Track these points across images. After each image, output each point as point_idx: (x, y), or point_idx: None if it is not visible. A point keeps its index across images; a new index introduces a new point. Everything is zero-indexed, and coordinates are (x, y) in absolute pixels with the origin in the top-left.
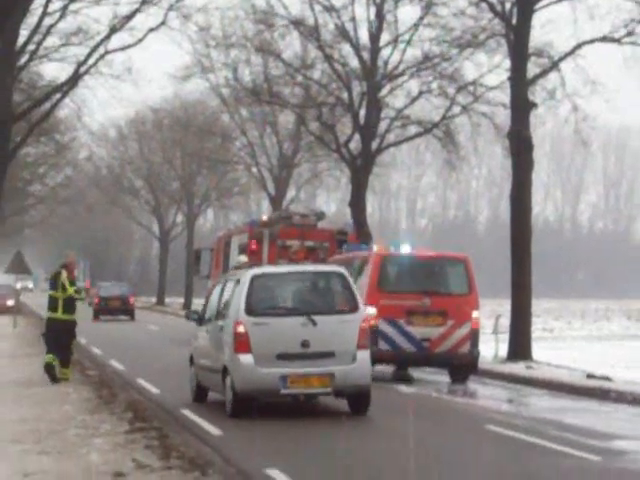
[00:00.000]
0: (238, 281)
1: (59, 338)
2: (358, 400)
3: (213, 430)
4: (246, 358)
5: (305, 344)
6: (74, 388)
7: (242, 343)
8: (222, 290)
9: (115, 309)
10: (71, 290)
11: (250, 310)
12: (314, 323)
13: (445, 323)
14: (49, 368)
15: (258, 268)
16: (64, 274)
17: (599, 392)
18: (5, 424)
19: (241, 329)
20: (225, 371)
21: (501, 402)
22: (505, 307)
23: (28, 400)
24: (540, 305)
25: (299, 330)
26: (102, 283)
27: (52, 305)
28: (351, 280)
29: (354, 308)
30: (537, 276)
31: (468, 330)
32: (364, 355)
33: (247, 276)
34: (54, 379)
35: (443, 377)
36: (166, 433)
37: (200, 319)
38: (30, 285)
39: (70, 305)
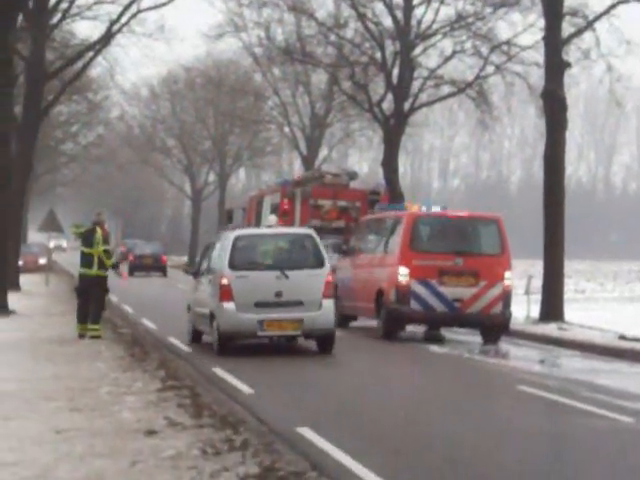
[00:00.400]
0: (225, 241)
1: (91, 293)
2: (324, 341)
3: (244, 388)
4: (229, 305)
5: (278, 294)
6: (106, 346)
7: (225, 293)
8: (213, 248)
9: (148, 266)
10: (101, 248)
11: (233, 265)
12: (286, 277)
13: (477, 284)
14: (81, 337)
15: (240, 230)
16: (99, 231)
17: (631, 353)
18: (38, 381)
19: (225, 281)
20: (212, 316)
21: (533, 363)
22: (537, 268)
23: (61, 358)
24: (572, 266)
25: (273, 282)
26: (136, 241)
27: (86, 261)
28: (319, 240)
29: (320, 264)
30: (569, 237)
31: (500, 291)
32: (329, 304)
33: (231, 237)
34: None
35: (475, 338)
36: (198, 391)
37: (195, 273)
38: (64, 244)
39: (102, 261)
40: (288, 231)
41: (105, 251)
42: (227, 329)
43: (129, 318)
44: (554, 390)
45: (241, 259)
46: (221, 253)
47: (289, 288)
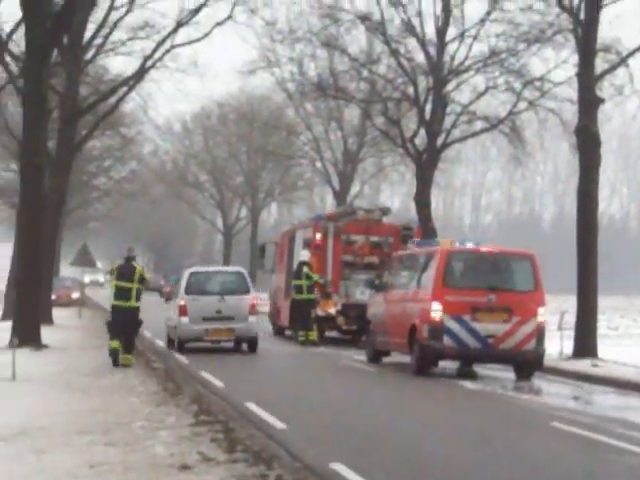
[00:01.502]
0: (184, 275)
1: (125, 325)
2: (250, 343)
3: (278, 424)
4: (184, 319)
5: (218, 311)
6: (140, 380)
7: (182, 310)
8: (179, 281)
9: None
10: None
11: (188, 291)
12: (224, 300)
13: (510, 320)
14: (114, 353)
15: (193, 268)
16: (138, 267)
17: None
18: (72, 415)
19: (182, 303)
20: (175, 327)
21: (566, 399)
22: (570, 303)
23: (95, 391)
24: (605, 302)
25: (215, 303)
26: (172, 276)
27: (122, 294)
28: (247, 275)
29: (247, 291)
30: (602, 273)
31: (533, 327)
32: (253, 318)
33: (187, 273)
34: (115, 363)
35: (508, 374)
36: (231, 426)
37: (168, 298)
38: (101, 279)
39: (139, 294)
40: (225, 269)
41: (144, 281)
42: (183, 335)
43: (162, 352)
44: (588, 427)
45: (193, 287)
46: (181, 283)
47: (225, 307)
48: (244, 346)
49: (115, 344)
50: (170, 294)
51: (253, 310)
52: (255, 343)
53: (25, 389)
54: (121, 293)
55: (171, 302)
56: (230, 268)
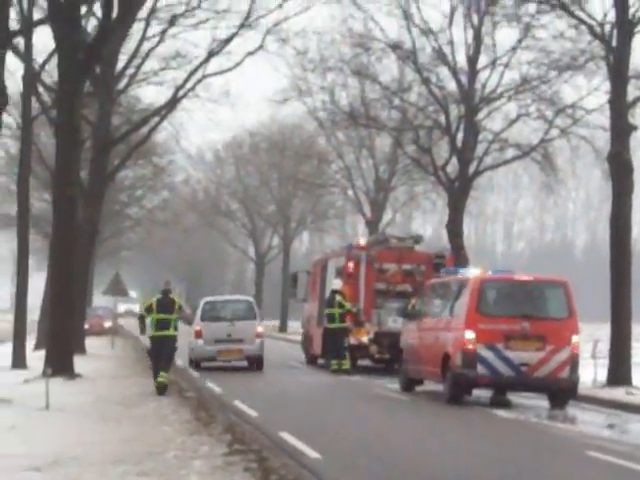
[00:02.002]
0: (199, 304)
1: (162, 351)
2: (257, 362)
3: (312, 453)
4: (200, 341)
5: (229, 335)
6: (172, 409)
7: (198, 334)
8: (197, 308)
9: None
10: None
11: (203, 318)
12: (233, 324)
13: (544, 348)
14: (161, 388)
15: (208, 297)
16: (177, 299)
17: None
18: (105, 445)
19: (198, 328)
20: (192, 348)
21: (601, 428)
22: (603, 331)
23: (128, 420)
24: (639, 330)
25: (226, 328)
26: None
27: (163, 325)
28: (254, 303)
29: (254, 317)
30: (636, 301)
31: (567, 355)
32: (259, 340)
33: (202, 301)
34: (162, 392)
35: (542, 402)
36: (265, 456)
37: (189, 323)
38: (136, 309)
39: (176, 323)
40: (235, 298)
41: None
42: (199, 356)
43: (194, 382)
44: (623, 456)
45: (208, 313)
46: (197, 311)
47: (235, 331)
48: (271, 374)
49: (160, 381)
50: (190, 319)
51: (259, 334)
52: (261, 362)
53: (58, 418)
54: (161, 324)
55: (192, 326)
56: (239, 297)
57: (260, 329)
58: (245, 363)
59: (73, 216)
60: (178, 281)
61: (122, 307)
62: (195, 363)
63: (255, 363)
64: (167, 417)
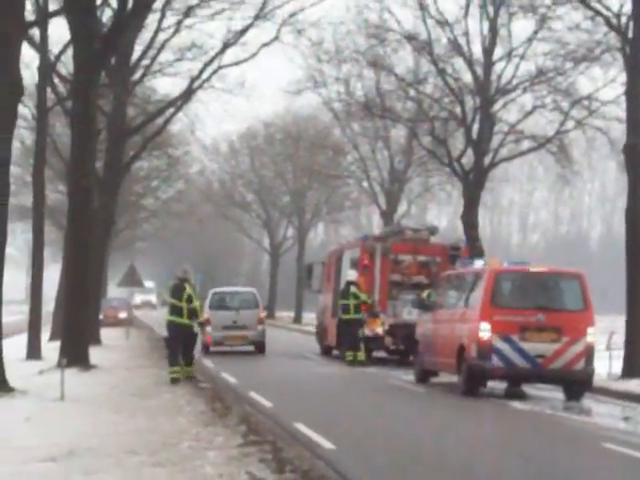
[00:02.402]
0: (209, 294)
1: (181, 341)
2: (260, 346)
3: (326, 444)
4: (209, 328)
5: (235, 322)
6: (187, 400)
7: (207, 321)
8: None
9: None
10: (197, 303)
11: (211, 306)
12: (238, 313)
13: (559, 339)
14: (175, 380)
15: (215, 289)
16: (187, 288)
17: None
18: (120, 435)
19: (207, 315)
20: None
21: (617, 420)
22: (618, 323)
23: (142, 412)
24: None
25: (232, 315)
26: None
27: (176, 312)
28: (257, 294)
29: (257, 306)
30: None
31: (583, 347)
32: (261, 327)
33: (210, 292)
34: (175, 383)
35: (557, 394)
36: (280, 446)
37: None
38: (153, 299)
39: (191, 313)
40: (240, 289)
41: (200, 306)
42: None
43: (209, 372)
44: (639, 447)
45: (215, 303)
46: (206, 301)
47: (240, 318)
48: (286, 365)
49: (176, 372)
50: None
51: (262, 321)
52: (263, 346)
53: (74, 409)
54: (174, 310)
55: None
56: (243, 288)
57: (262, 316)
58: (249, 348)
59: (88, 207)
60: (194, 272)
61: (138, 298)
62: (205, 348)
63: (258, 347)
64: (182, 408)
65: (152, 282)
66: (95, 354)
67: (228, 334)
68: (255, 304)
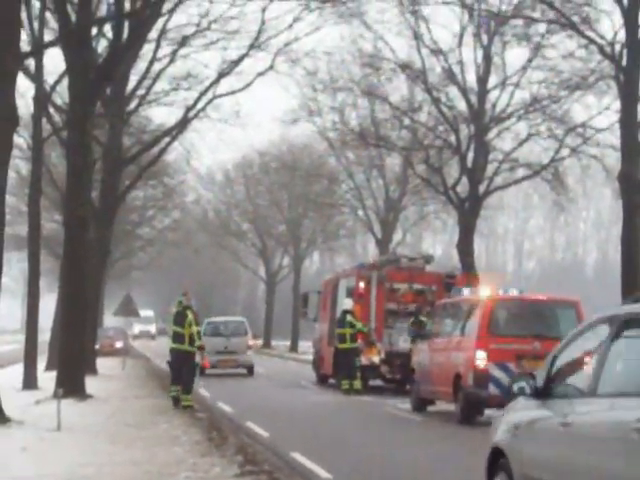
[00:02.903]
0: (203, 323)
1: (182, 367)
2: (249, 370)
3: (323, 474)
4: (204, 353)
5: (226, 347)
6: (183, 430)
7: (201, 347)
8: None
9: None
10: (195, 329)
11: (205, 334)
12: (229, 339)
13: None
14: (175, 398)
15: (210, 318)
16: (189, 315)
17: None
18: (116, 466)
19: (201, 343)
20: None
21: None
22: None
23: (139, 442)
24: None
25: (224, 342)
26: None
27: (178, 339)
28: (246, 322)
29: (246, 333)
30: None
31: None
32: (250, 352)
33: (205, 321)
34: (175, 405)
35: None
36: (276, 476)
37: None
38: (152, 329)
39: (192, 339)
40: (231, 318)
41: (198, 332)
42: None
43: (206, 402)
44: None
45: (209, 331)
46: (201, 329)
47: (231, 344)
48: (282, 394)
49: (175, 390)
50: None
51: (250, 346)
52: (252, 369)
53: (70, 439)
54: (176, 337)
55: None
56: (234, 318)
57: (250, 343)
58: (242, 371)
59: (84, 237)
60: (196, 299)
61: (137, 328)
62: (201, 370)
63: (247, 369)
64: (178, 438)
65: (151, 311)
66: (91, 384)
67: (220, 358)
68: (244, 332)
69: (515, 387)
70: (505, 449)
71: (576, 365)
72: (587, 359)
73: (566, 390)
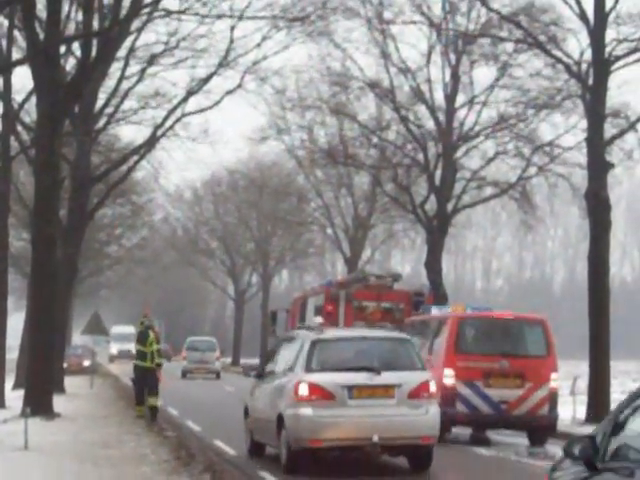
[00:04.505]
0: (187, 341)
1: (144, 381)
2: (217, 374)
3: None
4: (185, 362)
5: (201, 359)
6: (152, 449)
7: (184, 357)
8: None
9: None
10: (155, 347)
11: (187, 349)
12: (204, 353)
13: (523, 385)
14: (141, 417)
15: (191, 337)
16: (151, 334)
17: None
18: None
19: (184, 354)
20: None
21: None
22: (582, 368)
23: (106, 461)
24: (618, 367)
25: (200, 355)
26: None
27: (140, 356)
28: (216, 341)
29: (215, 349)
30: (614, 337)
31: (546, 392)
32: (218, 362)
33: (188, 339)
34: (154, 417)
35: (521, 440)
36: None
37: (169, 359)
38: (133, 349)
39: (153, 357)
40: (206, 338)
41: (157, 350)
42: (184, 369)
43: (174, 420)
44: None
45: (190, 346)
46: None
47: (204, 357)
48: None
49: (142, 410)
50: (169, 355)
51: (218, 358)
52: (219, 374)
53: (37, 459)
54: (139, 355)
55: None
56: (207, 338)
57: (217, 354)
58: (209, 376)
59: (52, 255)
60: (158, 318)
61: (114, 347)
62: (183, 373)
63: (215, 375)
64: (146, 457)
65: (133, 327)
66: (59, 403)
67: (197, 366)
68: (214, 348)
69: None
70: None
71: None
72: None
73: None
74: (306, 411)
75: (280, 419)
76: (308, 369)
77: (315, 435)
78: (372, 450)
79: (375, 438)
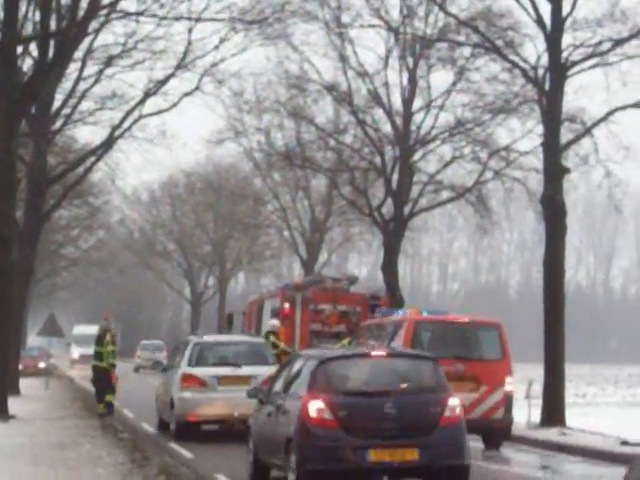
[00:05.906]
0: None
1: (101, 380)
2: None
3: None
4: (138, 360)
5: (152, 359)
6: (107, 451)
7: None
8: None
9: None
10: (110, 348)
11: (141, 349)
12: (153, 353)
13: (478, 389)
14: (102, 415)
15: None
16: (108, 336)
17: (633, 459)
18: None
19: (114, 361)
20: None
21: (536, 469)
22: (537, 372)
23: (61, 464)
24: (573, 371)
25: (150, 354)
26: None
27: (97, 357)
28: (164, 344)
29: (163, 350)
30: (569, 341)
31: (501, 396)
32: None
33: (141, 342)
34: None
35: (476, 443)
36: None
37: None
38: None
39: (108, 357)
40: (156, 342)
41: (112, 351)
42: (139, 365)
43: (129, 423)
44: None
45: (145, 348)
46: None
47: (154, 356)
48: None
49: (102, 407)
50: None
51: (165, 357)
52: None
53: None
54: (96, 355)
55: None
56: (157, 341)
57: (165, 354)
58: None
59: (8, 257)
60: (114, 320)
61: (76, 351)
62: (136, 368)
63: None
64: (102, 459)
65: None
66: (14, 404)
67: (147, 363)
68: (162, 348)
69: None
70: None
71: None
72: None
73: None
74: (186, 394)
75: (172, 401)
76: (190, 364)
77: (193, 412)
78: (234, 422)
79: (236, 414)
